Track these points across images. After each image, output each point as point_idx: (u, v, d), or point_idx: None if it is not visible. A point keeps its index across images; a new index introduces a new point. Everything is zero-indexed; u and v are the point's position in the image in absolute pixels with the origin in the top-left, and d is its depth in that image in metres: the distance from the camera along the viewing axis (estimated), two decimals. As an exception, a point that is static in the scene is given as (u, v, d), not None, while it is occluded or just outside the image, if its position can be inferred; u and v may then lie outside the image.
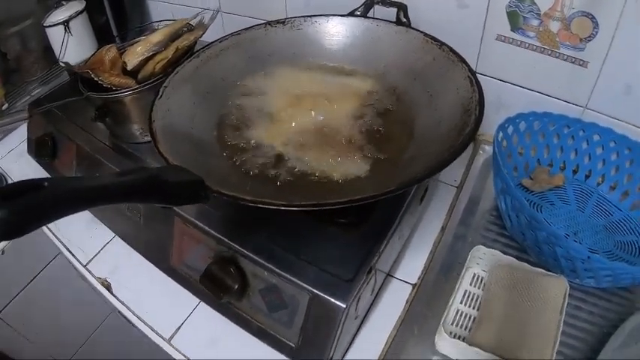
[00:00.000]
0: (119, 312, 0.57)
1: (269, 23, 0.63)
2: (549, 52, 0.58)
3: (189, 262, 0.53)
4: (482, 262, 0.54)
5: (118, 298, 0.57)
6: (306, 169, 0.49)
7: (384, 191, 0.39)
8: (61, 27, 0.81)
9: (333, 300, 0.41)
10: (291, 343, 0.45)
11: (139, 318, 0.55)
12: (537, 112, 0.61)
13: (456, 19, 0.62)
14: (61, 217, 0.28)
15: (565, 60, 0.58)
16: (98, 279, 0.59)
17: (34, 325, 0.89)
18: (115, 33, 0.95)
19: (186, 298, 0.54)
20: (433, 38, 0.56)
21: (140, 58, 0.61)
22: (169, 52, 0.60)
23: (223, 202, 0.41)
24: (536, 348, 0.44)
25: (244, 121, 0.56)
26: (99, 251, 0.63)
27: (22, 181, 0.27)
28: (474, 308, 0.51)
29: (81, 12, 0.82)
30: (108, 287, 0.58)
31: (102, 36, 0.90)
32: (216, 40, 0.61)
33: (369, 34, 0.61)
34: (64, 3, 0.82)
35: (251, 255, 0.46)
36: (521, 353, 0.45)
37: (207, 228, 0.49)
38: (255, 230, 0.48)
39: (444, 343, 0.47)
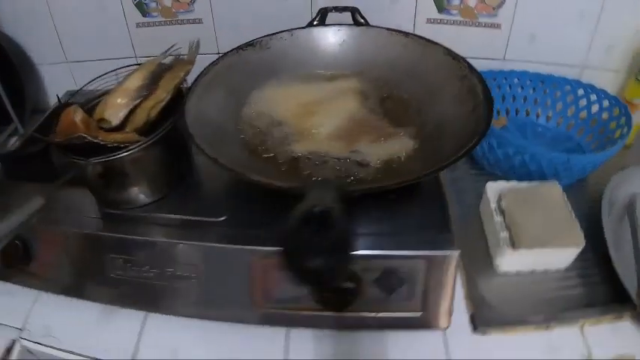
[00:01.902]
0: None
1: (240, 48, 0.65)
2: (470, 23, 0.74)
3: (278, 296, 0.52)
4: (493, 193, 0.66)
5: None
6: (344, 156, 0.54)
7: (443, 165, 0.46)
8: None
9: (448, 252, 0.48)
10: (416, 314, 0.50)
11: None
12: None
13: (390, 12, 0.74)
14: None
15: (483, 27, 0.74)
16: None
17: None
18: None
19: (279, 337, 0.54)
20: (396, 30, 0.66)
21: (126, 110, 0.57)
22: (162, 95, 0.57)
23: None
24: (568, 236, 0.58)
25: (264, 137, 0.58)
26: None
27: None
28: (504, 232, 0.63)
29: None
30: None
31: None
32: (198, 76, 0.60)
33: (337, 39, 0.67)
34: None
35: (355, 253, 0.48)
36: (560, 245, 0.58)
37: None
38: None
39: (505, 259, 0.58)
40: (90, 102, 0.61)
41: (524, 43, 0.74)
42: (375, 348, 0.53)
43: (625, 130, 0.66)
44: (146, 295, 0.56)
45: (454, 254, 0.48)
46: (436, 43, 0.62)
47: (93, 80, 0.62)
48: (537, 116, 0.79)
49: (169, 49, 0.63)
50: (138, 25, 0.83)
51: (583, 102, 0.74)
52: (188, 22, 0.82)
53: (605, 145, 0.70)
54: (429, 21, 0.74)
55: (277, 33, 0.67)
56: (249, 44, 0.66)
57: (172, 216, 0.56)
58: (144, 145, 0.53)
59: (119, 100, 0.57)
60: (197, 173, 0.63)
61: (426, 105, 0.60)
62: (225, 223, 0.55)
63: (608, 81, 0.74)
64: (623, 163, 0.68)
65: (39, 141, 0.64)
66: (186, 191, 0.60)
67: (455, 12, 0.73)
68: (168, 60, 0.62)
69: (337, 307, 0.49)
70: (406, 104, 0.62)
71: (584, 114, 0.74)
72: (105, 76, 0.63)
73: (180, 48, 0.63)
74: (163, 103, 0.57)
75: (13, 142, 0.82)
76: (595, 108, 0.72)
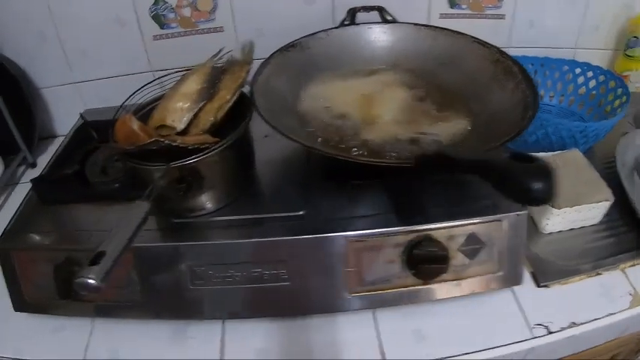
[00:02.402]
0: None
1: (283, 49, 0.68)
2: (478, 15, 0.81)
3: (369, 278, 0.54)
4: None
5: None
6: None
7: (512, 136, 0.52)
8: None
9: (519, 212, 0.54)
10: (498, 273, 0.55)
11: None
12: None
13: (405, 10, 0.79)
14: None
15: (489, 18, 0.82)
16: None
17: None
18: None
19: (367, 320, 0.57)
20: (424, 25, 0.72)
21: (190, 114, 0.58)
22: (226, 96, 0.58)
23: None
24: (599, 193, 0.66)
25: (332, 129, 0.61)
26: None
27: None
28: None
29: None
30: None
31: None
32: (255, 75, 0.62)
33: (372, 36, 0.72)
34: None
35: (439, 225, 0.53)
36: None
37: (387, 229, 0.52)
38: (406, 202, 0.56)
39: (551, 221, 0.65)
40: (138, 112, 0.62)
41: (525, 29, 0.83)
42: (457, 316, 0.58)
43: (624, 99, 0.76)
44: (229, 301, 0.55)
45: (524, 214, 0.54)
46: (463, 34, 0.69)
47: (136, 92, 0.62)
48: (541, 97, 0.88)
49: (218, 52, 0.65)
50: (155, 38, 0.83)
51: (581, 79, 0.83)
52: (209, 31, 0.83)
53: (604, 115, 0.79)
54: (442, 16, 0.81)
55: (314, 33, 0.71)
56: (291, 45, 0.69)
57: (250, 216, 0.56)
58: (225, 145, 0.54)
59: (180, 105, 0.58)
60: (260, 175, 0.64)
61: (468, 89, 0.66)
62: (305, 216, 0.56)
63: (599, 58, 0.84)
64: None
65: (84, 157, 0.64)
66: (254, 192, 0.61)
67: (465, 6, 0.80)
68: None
69: (429, 277, 0.53)
70: (447, 90, 0.67)
71: (582, 90, 0.84)
72: (145, 87, 0.63)
73: (231, 51, 0.64)
74: (230, 103, 0.59)
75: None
76: (592, 83, 0.82)
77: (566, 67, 0.84)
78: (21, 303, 0.58)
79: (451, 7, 0.80)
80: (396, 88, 0.68)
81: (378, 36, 0.72)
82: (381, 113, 0.63)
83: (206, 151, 0.53)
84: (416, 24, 0.72)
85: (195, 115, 0.59)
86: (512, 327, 0.56)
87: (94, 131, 0.76)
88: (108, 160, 0.70)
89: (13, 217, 0.60)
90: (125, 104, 0.61)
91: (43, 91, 0.87)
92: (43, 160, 0.83)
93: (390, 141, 0.58)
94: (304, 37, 0.70)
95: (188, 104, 0.58)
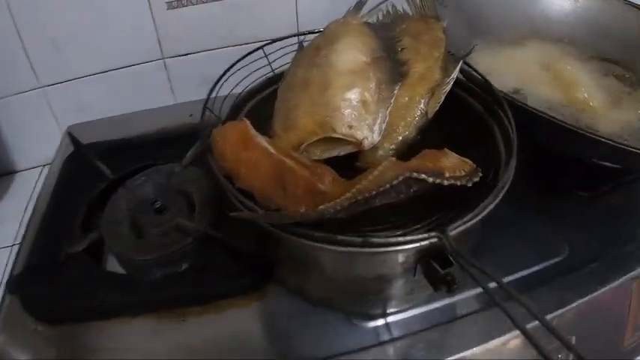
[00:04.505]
0: None
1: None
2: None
3: None
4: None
5: None
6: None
7: None
8: None
9: None
10: None
11: None
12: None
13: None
14: None
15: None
16: None
17: None
18: None
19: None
20: None
21: (385, 110, 0.31)
22: (434, 71, 0.33)
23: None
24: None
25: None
26: None
27: None
28: None
29: None
30: None
31: None
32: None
33: None
34: None
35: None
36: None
37: None
38: None
39: None
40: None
41: None
42: None
43: None
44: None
45: None
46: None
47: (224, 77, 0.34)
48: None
49: (378, 4, 0.37)
50: (171, 6, 0.52)
51: None
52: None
53: None
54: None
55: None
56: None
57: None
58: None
59: (355, 95, 0.30)
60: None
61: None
62: (569, 258, 0.37)
63: None
64: None
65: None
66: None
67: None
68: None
69: None
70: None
71: None
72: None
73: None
74: (447, 87, 0.32)
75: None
76: None
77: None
78: None
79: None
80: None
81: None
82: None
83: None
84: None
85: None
86: None
87: (100, 162, 0.43)
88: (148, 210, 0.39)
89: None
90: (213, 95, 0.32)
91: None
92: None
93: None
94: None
95: (371, 92, 0.30)
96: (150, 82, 0.55)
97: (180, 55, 0.55)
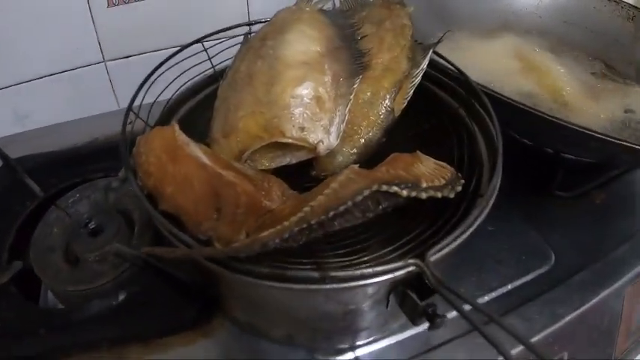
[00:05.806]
0: None
1: None
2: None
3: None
4: None
5: None
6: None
7: None
8: None
9: None
10: None
11: None
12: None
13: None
14: None
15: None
16: None
17: None
18: None
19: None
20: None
21: (344, 108, 0.27)
22: (401, 62, 0.29)
23: None
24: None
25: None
26: None
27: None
28: None
29: None
30: None
31: None
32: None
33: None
34: None
35: None
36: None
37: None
38: None
39: None
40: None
41: None
42: None
43: None
44: None
45: None
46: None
47: (150, 77, 0.29)
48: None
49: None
50: (110, 4, 0.47)
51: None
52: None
53: None
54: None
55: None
56: None
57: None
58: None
59: (307, 90, 0.26)
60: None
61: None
62: (556, 267, 0.33)
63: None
64: None
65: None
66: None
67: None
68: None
69: None
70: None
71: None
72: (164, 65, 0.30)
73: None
74: (417, 78, 0.28)
75: None
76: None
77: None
78: None
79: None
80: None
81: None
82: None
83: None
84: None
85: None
86: None
87: (29, 178, 0.38)
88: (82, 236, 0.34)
89: None
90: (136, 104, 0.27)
91: None
92: None
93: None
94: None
95: (326, 87, 0.26)
96: (91, 87, 0.49)
97: (123, 58, 0.50)
